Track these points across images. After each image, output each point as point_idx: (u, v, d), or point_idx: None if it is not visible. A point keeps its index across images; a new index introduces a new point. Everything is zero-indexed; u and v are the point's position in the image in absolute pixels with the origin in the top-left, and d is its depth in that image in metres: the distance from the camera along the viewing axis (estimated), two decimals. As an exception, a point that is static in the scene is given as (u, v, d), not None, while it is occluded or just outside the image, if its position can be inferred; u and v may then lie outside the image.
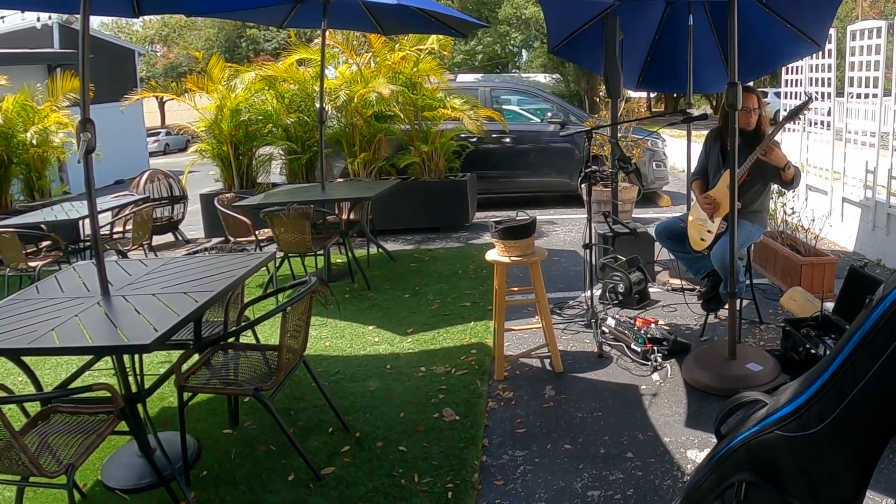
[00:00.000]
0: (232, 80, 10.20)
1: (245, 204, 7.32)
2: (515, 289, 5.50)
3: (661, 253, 6.45)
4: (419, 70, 10.01)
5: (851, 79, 7.39)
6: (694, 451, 3.77)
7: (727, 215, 4.67)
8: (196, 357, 3.91)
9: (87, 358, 4.01)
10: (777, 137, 4.83)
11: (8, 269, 6.87)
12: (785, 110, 8.87)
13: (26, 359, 3.67)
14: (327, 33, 7.96)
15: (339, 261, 7.97)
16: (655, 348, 4.92)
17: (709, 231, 5.07)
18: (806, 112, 4.77)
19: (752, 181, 4.99)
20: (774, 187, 5.41)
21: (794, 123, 7.35)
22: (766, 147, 4.68)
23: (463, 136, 10.30)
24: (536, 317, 5.31)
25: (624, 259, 5.90)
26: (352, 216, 7.96)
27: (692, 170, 5.73)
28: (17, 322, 3.40)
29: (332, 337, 5.72)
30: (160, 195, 8.94)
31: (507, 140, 11.39)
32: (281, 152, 10.50)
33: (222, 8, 6.70)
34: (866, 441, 1.96)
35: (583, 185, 5.63)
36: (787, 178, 4.84)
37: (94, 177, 3.82)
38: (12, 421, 2.84)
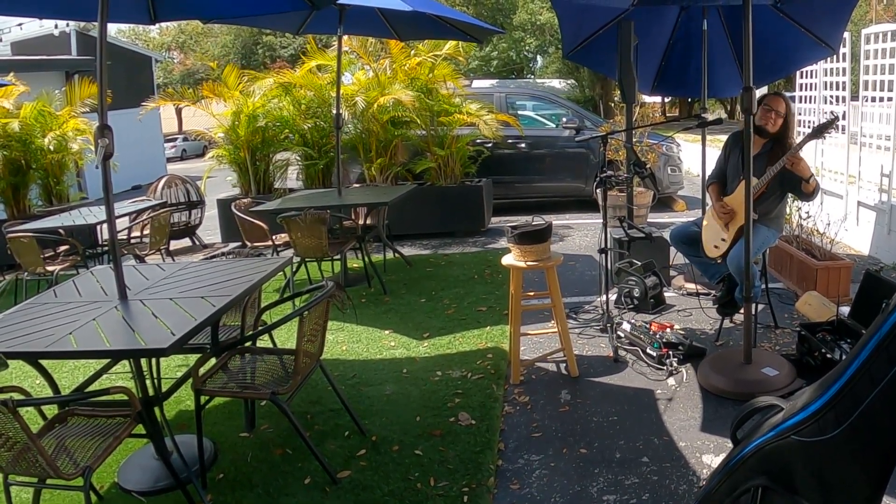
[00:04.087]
0: (249, 87, 10.24)
1: (262, 209, 7.35)
2: (531, 293, 5.49)
3: (677, 257, 6.45)
4: (435, 76, 10.03)
5: (866, 82, 7.36)
6: (709, 455, 3.76)
7: (741, 226, 4.65)
8: (213, 361, 3.93)
9: (105, 361, 4.04)
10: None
11: (26, 274, 6.92)
12: (800, 114, 8.84)
13: (44, 362, 3.71)
14: (344, 39, 7.99)
15: (355, 265, 7.99)
16: (671, 353, 4.91)
17: (723, 239, 5.05)
18: (829, 133, 4.73)
19: (771, 190, 4.95)
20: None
21: (807, 127, 7.33)
22: (794, 157, 4.62)
23: (479, 141, 10.32)
24: (552, 321, 5.31)
25: (639, 263, 5.89)
26: (368, 221, 7.97)
27: (708, 174, 5.71)
28: (35, 326, 3.43)
29: (348, 341, 5.74)
30: (177, 200, 9.00)
31: (523, 145, 11.40)
32: (298, 158, 10.53)
33: (238, 14, 6.71)
34: (883, 446, 1.95)
35: (598, 190, 5.64)
36: (809, 189, 4.77)
37: (112, 182, 3.85)
38: (30, 423, 2.86)
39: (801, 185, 4.78)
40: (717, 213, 5.08)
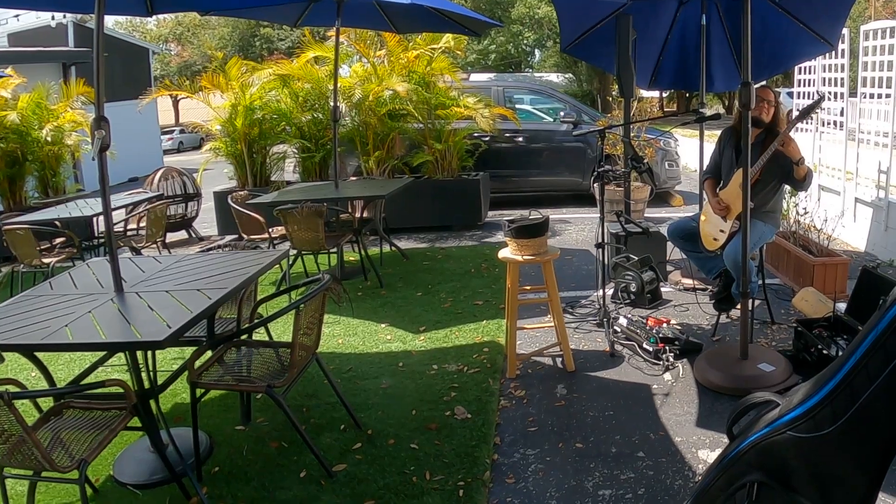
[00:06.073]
0: (247, 78, 10.21)
1: (259, 202, 7.33)
2: (528, 287, 5.49)
3: (674, 252, 6.44)
4: (433, 69, 10.01)
5: (864, 79, 7.35)
6: (705, 451, 3.76)
7: (740, 215, 4.66)
8: (209, 354, 3.92)
9: (101, 354, 4.03)
10: (791, 135, 4.81)
11: (22, 266, 6.91)
12: (797, 110, 8.84)
13: (39, 354, 3.70)
14: (341, 32, 7.96)
15: (352, 259, 7.98)
16: (667, 348, 4.91)
17: (721, 231, 5.06)
18: (818, 111, 4.76)
19: (765, 180, 4.98)
20: (787, 188, 5.39)
21: (807, 123, 7.32)
22: (784, 138, 4.65)
23: (476, 134, 10.30)
24: (549, 315, 5.31)
25: (636, 258, 5.89)
26: (365, 214, 7.97)
27: (704, 168, 5.72)
28: (30, 318, 3.42)
29: (344, 334, 5.74)
30: (174, 193, 8.99)
31: (520, 139, 11.39)
32: (294, 150, 10.52)
33: (236, 6, 6.70)
34: (879, 442, 1.95)
35: (595, 185, 5.62)
36: (800, 174, 4.79)
37: (109, 174, 3.83)
38: (25, 416, 2.85)
39: (793, 171, 4.80)
40: (714, 208, 5.10)
